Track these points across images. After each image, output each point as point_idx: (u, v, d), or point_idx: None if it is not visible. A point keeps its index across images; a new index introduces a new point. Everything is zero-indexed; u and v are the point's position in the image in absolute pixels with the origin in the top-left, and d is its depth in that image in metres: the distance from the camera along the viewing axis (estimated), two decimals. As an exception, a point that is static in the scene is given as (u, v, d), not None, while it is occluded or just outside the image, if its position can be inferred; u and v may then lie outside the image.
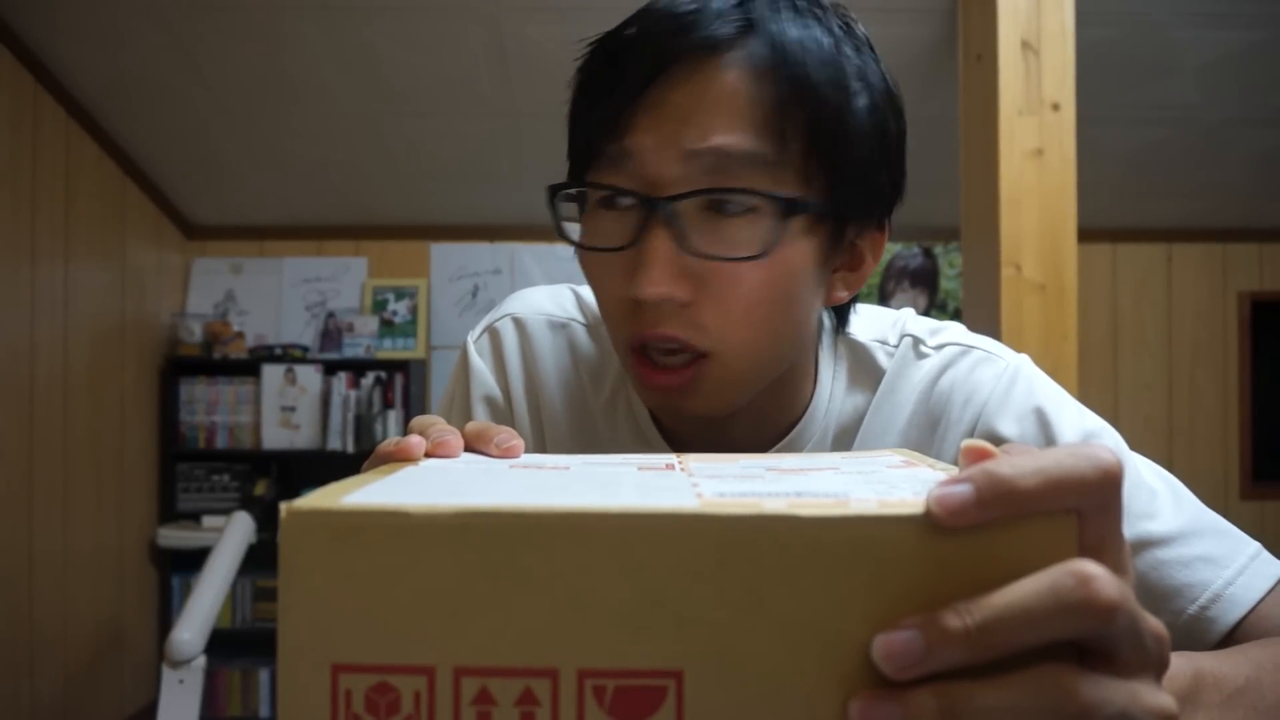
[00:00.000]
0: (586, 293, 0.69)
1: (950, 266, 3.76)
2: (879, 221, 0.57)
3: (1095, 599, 0.26)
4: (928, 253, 3.78)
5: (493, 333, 0.69)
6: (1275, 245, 3.80)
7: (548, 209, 0.56)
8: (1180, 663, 0.45)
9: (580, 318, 0.68)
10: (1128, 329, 3.79)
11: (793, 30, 0.51)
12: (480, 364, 0.69)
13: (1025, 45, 2.04)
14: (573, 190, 0.56)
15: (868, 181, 0.54)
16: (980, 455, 0.30)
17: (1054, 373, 2.01)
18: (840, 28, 0.55)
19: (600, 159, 0.53)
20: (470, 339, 0.70)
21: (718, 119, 0.50)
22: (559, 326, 0.68)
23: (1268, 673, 0.48)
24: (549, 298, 0.69)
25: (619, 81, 0.52)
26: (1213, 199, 3.52)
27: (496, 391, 0.68)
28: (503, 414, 0.68)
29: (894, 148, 0.56)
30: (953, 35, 2.40)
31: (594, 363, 0.67)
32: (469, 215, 3.49)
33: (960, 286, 3.64)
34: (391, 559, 0.28)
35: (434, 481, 0.34)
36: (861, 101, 0.53)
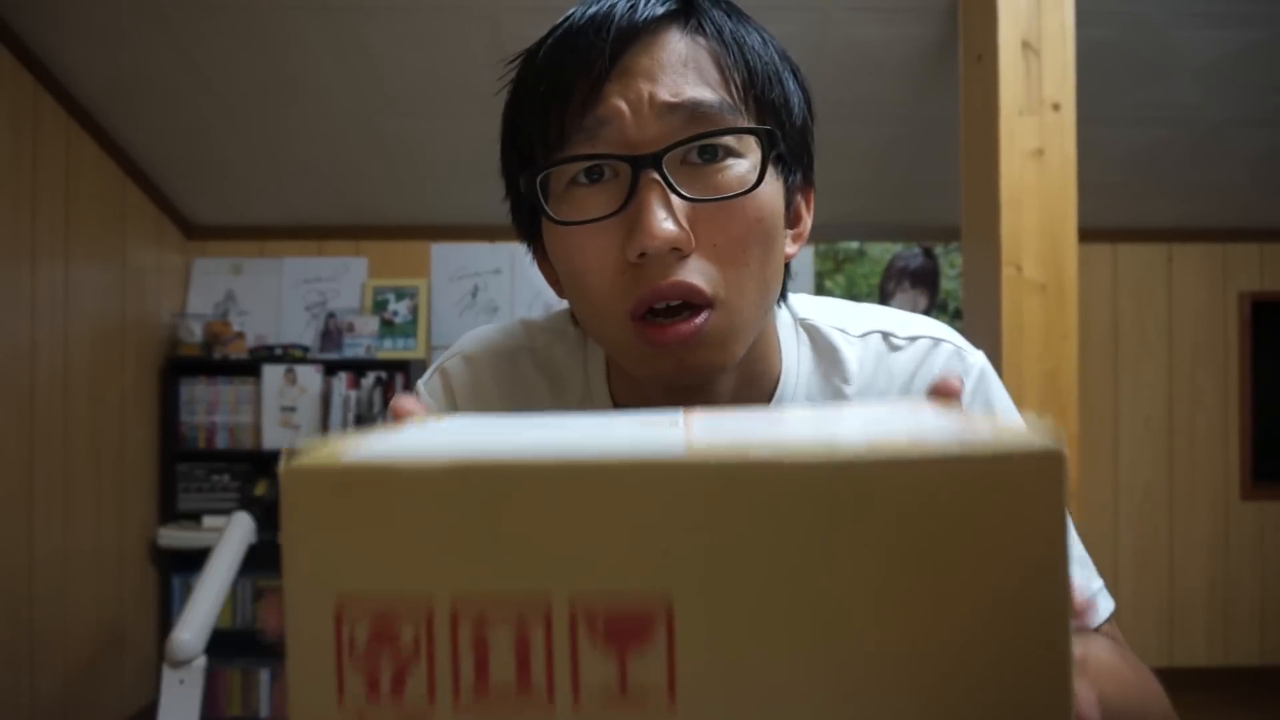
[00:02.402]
0: (538, 321, 0.70)
1: (950, 266, 3.76)
2: (809, 179, 0.62)
3: None
4: (928, 253, 3.78)
5: (443, 372, 0.69)
6: (1275, 245, 3.80)
7: (526, 197, 0.57)
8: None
9: (531, 343, 0.69)
10: (1128, 329, 3.79)
11: (717, 12, 0.57)
12: (431, 404, 0.69)
13: (1025, 45, 2.04)
14: (540, 177, 0.56)
15: (803, 135, 0.59)
16: (946, 391, 0.32)
17: (1054, 372, 2.00)
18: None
19: (572, 137, 0.54)
20: (420, 383, 0.71)
21: (684, 77, 0.54)
22: (507, 356, 0.69)
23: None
24: (497, 332, 0.70)
25: (581, 62, 0.54)
26: (1213, 199, 3.52)
27: None
28: None
29: (806, 98, 0.61)
30: (953, 35, 2.40)
31: (553, 381, 0.68)
32: (469, 215, 3.49)
33: (960, 286, 3.64)
34: (386, 511, 0.29)
35: (429, 438, 0.35)
36: (787, 68, 0.59)
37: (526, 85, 0.57)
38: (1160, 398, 3.77)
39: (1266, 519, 3.72)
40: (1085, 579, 0.62)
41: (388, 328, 3.61)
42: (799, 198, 0.62)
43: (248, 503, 3.22)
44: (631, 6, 0.54)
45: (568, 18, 0.56)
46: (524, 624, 0.29)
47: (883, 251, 3.76)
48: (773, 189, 0.55)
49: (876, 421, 0.34)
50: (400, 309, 3.63)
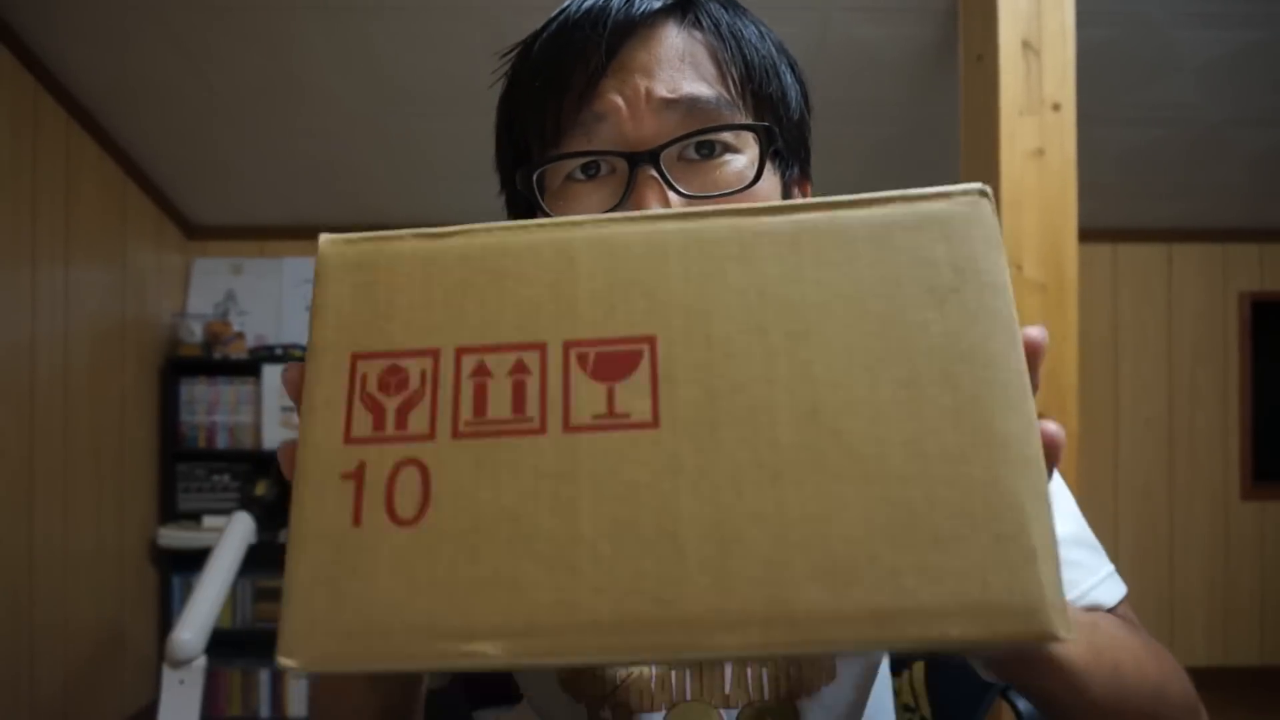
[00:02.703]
0: None
1: (950, 266, 3.76)
2: (806, 173, 0.62)
3: None
4: (928, 253, 3.78)
5: None
6: (1275, 245, 3.79)
7: (523, 193, 0.57)
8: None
9: None
10: (1128, 329, 3.79)
11: (713, 5, 0.57)
12: None
13: (1025, 45, 2.04)
14: (535, 174, 0.55)
15: (800, 129, 0.59)
16: None
17: (1055, 372, 2.00)
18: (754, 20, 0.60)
19: (569, 132, 0.54)
20: None
21: (680, 72, 0.53)
22: None
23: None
24: None
25: (578, 57, 0.53)
26: (1212, 199, 3.52)
27: None
28: None
29: (803, 92, 0.61)
30: (953, 35, 2.40)
31: None
32: (471, 215, 3.46)
33: (960, 286, 3.64)
34: (403, 276, 0.33)
35: None
36: (784, 62, 0.59)
37: (522, 79, 0.57)
38: (1160, 398, 3.77)
39: (1266, 519, 3.72)
40: (1095, 563, 0.62)
41: (388, 328, 3.61)
42: (796, 191, 0.62)
43: (248, 503, 3.22)
44: (628, 0, 0.54)
45: (563, 10, 0.56)
46: (521, 366, 0.32)
47: (883, 251, 3.76)
48: (770, 184, 0.55)
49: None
50: (400, 309, 3.63)
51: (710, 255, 0.32)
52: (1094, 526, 0.63)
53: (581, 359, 0.31)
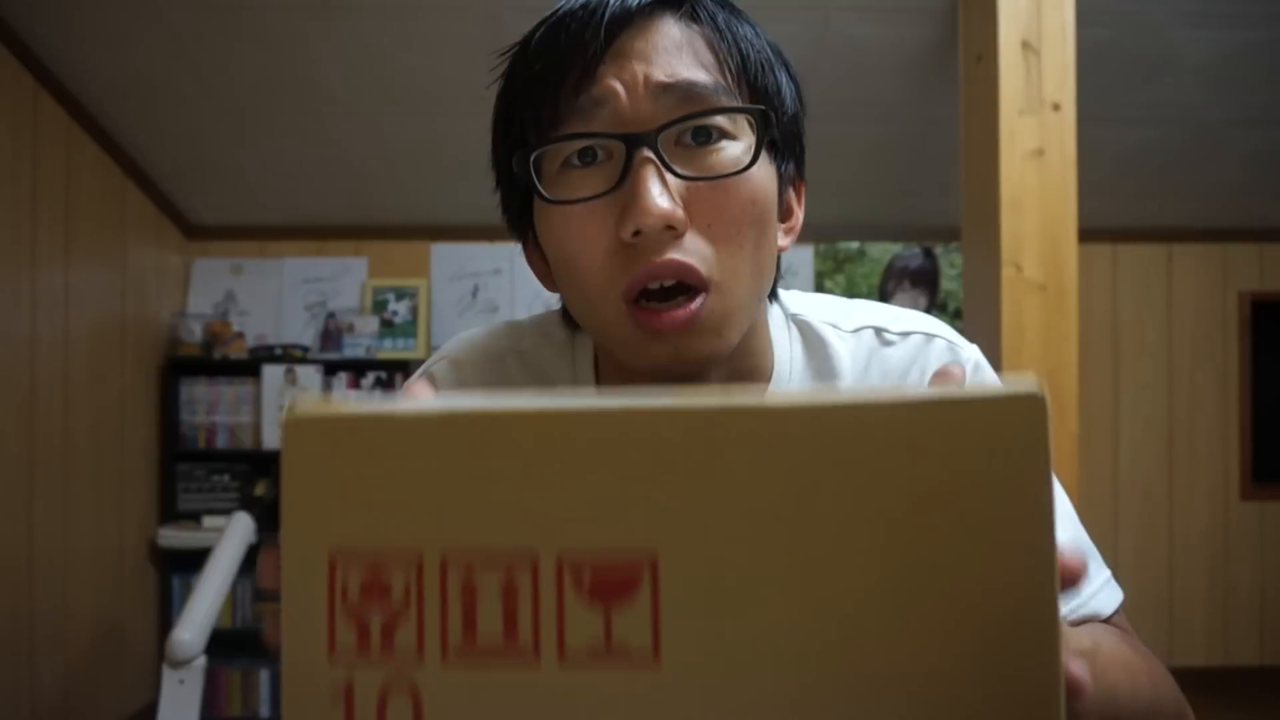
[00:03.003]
0: (524, 322, 0.69)
1: (950, 266, 3.76)
2: (800, 173, 0.62)
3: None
4: (928, 253, 3.78)
5: (429, 377, 0.68)
6: (1275, 245, 3.80)
7: (519, 180, 0.56)
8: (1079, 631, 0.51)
9: (518, 345, 0.68)
10: (1128, 329, 3.79)
11: (710, 1, 0.58)
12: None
13: (1025, 45, 2.04)
14: (534, 156, 0.55)
15: (794, 126, 0.59)
16: (947, 377, 0.32)
17: (1054, 372, 2.01)
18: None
19: (566, 117, 0.54)
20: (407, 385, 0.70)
21: (678, 58, 0.54)
22: (494, 359, 0.68)
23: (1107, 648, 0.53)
24: (484, 335, 0.70)
25: (576, 44, 0.54)
26: (1212, 199, 3.52)
27: None
28: None
29: (796, 87, 0.61)
30: (953, 35, 2.40)
31: (540, 383, 0.67)
32: (469, 215, 3.48)
33: (960, 286, 3.64)
34: (381, 457, 0.30)
35: (425, 400, 0.36)
36: (779, 61, 0.59)
37: (520, 70, 0.57)
38: (1160, 398, 3.77)
39: (1266, 519, 3.72)
40: (1093, 570, 0.62)
41: (388, 328, 3.61)
42: (790, 190, 0.62)
43: (248, 503, 3.22)
44: None
45: (561, 5, 0.57)
46: (511, 577, 0.29)
47: (883, 251, 3.76)
48: (766, 173, 0.56)
49: (862, 388, 0.35)
50: (400, 309, 3.63)
51: (721, 459, 0.28)
52: (1093, 526, 0.63)
53: (576, 574, 0.29)
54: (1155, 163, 3.24)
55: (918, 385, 0.32)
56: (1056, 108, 2.04)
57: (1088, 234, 2.34)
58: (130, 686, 3.25)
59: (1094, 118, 2.55)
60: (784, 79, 0.59)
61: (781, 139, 0.58)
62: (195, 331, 3.48)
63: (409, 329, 3.62)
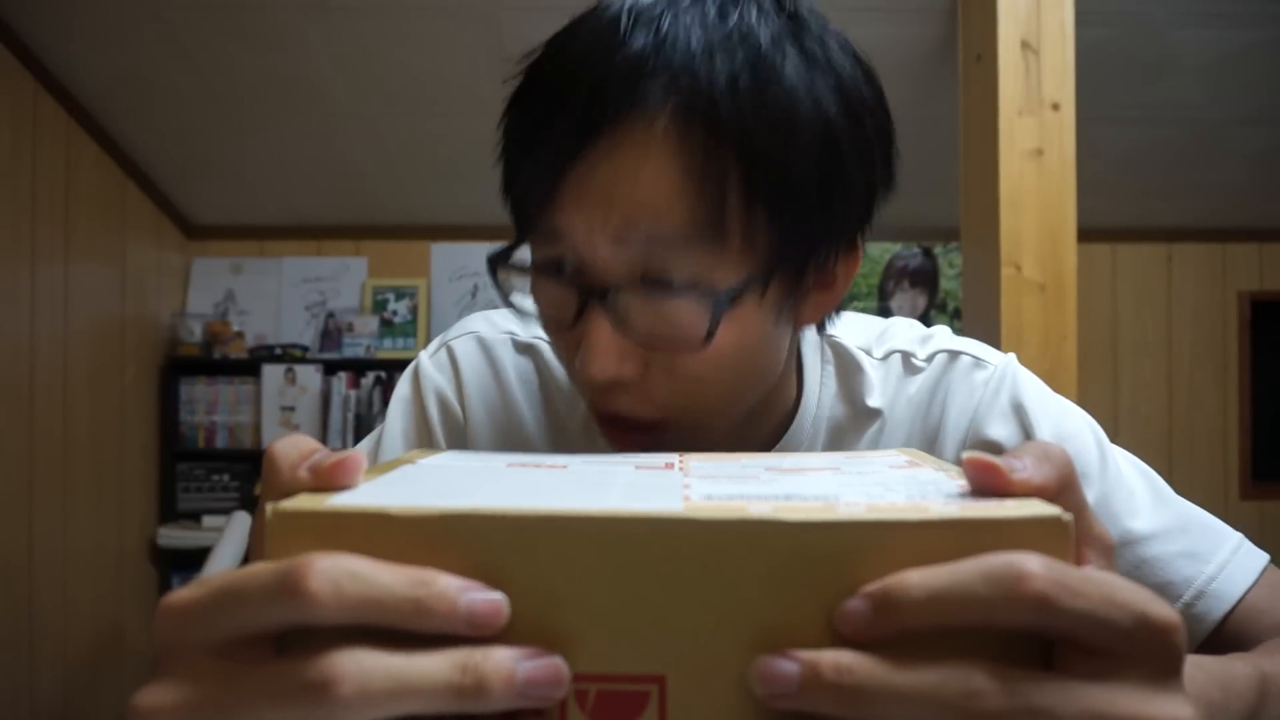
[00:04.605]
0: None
1: (950, 266, 3.76)
2: (850, 241, 0.52)
3: (1022, 588, 0.25)
4: (928, 253, 3.78)
5: (450, 350, 0.66)
6: (1275, 245, 3.80)
7: (489, 277, 0.52)
8: (1246, 669, 0.46)
9: (546, 336, 0.66)
10: (1128, 329, 3.79)
11: (720, 63, 0.45)
12: (437, 377, 0.65)
13: (1025, 45, 2.04)
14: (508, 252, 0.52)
15: (824, 219, 0.49)
16: (981, 467, 0.29)
17: (1054, 372, 2.00)
18: (787, 31, 0.48)
19: (534, 229, 0.50)
20: (424, 354, 0.66)
21: (648, 192, 0.45)
22: (525, 347, 0.66)
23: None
24: (515, 318, 0.66)
25: (545, 146, 0.47)
26: (1213, 199, 3.52)
27: (456, 406, 0.65)
28: (459, 431, 0.65)
29: (867, 158, 0.50)
30: (953, 35, 2.40)
31: (566, 381, 0.64)
32: (468, 215, 3.48)
33: (960, 286, 3.64)
34: (373, 557, 0.27)
35: (424, 481, 0.33)
36: (811, 132, 0.46)
37: (518, 114, 0.51)
38: (1160, 397, 3.77)
39: (1266, 519, 3.72)
40: (1207, 545, 0.58)
41: (387, 327, 3.61)
42: (829, 264, 0.52)
43: (248, 503, 3.22)
44: (613, 69, 0.46)
45: (568, 40, 0.50)
46: None
47: (882, 251, 3.76)
48: (745, 318, 0.48)
49: (879, 482, 0.33)
50: (400, 309, 3.63)
51: (734, 578, 0.27)
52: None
53: (580, 697, 0.27)
54: (1155, 163, 3.24)
55: (935, 487, 0.30)
56: (1056, 107, 2.04)
57: (1087, 234, 2.34)
58: (130, 686, 3.24)
59: (1093, 117, 2.55)
60: (815, 163, 0.47)
61: (799, 248, 0.48)
62: (195, 331, 3.48)
63: (409, 329, 3.62)
